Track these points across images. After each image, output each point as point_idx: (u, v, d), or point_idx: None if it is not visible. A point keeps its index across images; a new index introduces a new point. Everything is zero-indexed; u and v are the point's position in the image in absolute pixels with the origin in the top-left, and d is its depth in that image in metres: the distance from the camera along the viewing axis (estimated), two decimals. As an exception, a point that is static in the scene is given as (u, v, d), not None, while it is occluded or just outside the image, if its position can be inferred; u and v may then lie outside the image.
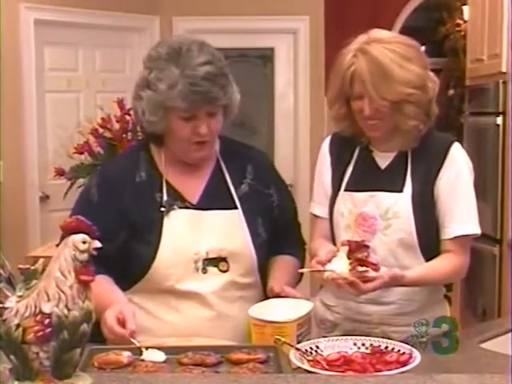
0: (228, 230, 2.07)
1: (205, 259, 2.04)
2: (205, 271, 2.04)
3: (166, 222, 2.04)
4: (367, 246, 1.92)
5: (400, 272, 1.94)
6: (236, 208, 2.10)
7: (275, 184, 2.22)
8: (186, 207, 2.07)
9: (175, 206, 2.06)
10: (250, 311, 1.88)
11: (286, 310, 1.89)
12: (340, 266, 1.89)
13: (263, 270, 2.14)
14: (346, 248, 1.90)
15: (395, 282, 1.93)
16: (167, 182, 2.09)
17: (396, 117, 2.02)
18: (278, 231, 2.17)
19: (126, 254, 2.02)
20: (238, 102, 2.09)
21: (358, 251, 1.89)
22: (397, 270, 1.94)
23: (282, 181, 2.29)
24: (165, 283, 2.02)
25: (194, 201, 2.09)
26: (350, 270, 1.87)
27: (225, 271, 2.06)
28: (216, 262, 2.05)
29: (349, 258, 1.89)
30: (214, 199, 2.10)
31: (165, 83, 1.97)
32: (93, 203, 2.08)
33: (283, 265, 2.17)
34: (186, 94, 1.95)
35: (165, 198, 2.06)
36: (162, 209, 2.05)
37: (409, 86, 1.98)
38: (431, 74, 2.07)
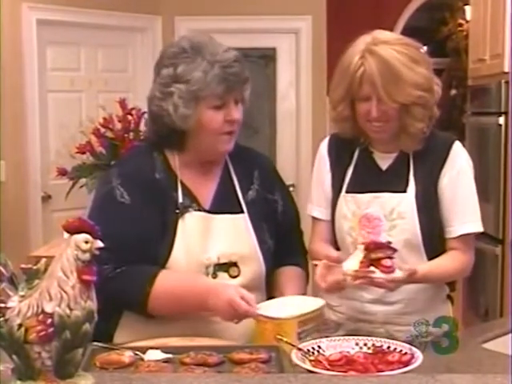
0: (237, 235, 2.07)
1: (216, 264, 2.03)
2: (215, 276, 2.03)
3: (181, 223, 2.03)
4: (391, 249, 1.90)
5: (414, 267, 1.93)
6: (242, 212, 2.09)
7: (279, 190, 2.21)
8: (199, 210, 2.06)
9: (190, 209, 2.04)
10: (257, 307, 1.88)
11: (294, 307, 1.89)
12: (350, 263, 1.90)
13: (268, 277, 2.13)
14: (362, 247, 1.91)
15: (411, 278, 1.93)
16: (183, 185, 2.07)
17: (404, 119, 2.02)
18: (282, 238, 2.16)
19: (139, 254, 1.98)
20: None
21: (374, 252, 1.89)
22: (411, 266, 1.93)
23: (285, 186, 2.29)
24: None
25: (207, 204, 2.08)
26: (360, 268, 1.88)
27: (235, 277, 2.04)
28: (226, 267, 2.04)
29: (365, 257, 1.89)
30: (223, 203, 2.09)
31: (198, 71, 1.99)
32: (125, 205, 2.02)
33: (291, 279, 2.15)
34: (222, 77, 1.98)
35: (180, 199, 2.04)
36: (177, 210, 2.03)
37: (418, 89, 1.98)
38: (434, 76, 2.07)
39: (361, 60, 1.99)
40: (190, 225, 2.03)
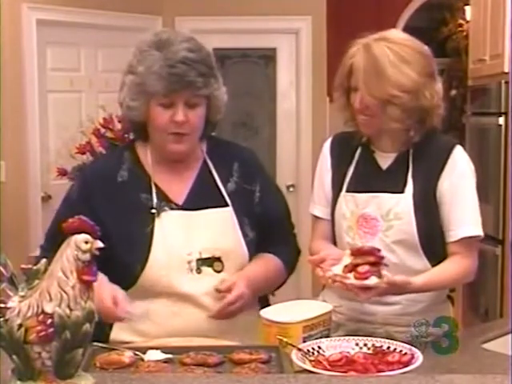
0: (220, 229, 2.06)
1: (198, 259, 2.02)
2: (199, 271, 2.02)
3: (157, 223, 2.02)
4: (374, 256, 1.90)
5: (404, 279, 1.91)
6: (226, 206, 2.08)
7: (260, 181, 2.17)
8: (172, 208, 2.05)
9: (166, 208, 2.04)
10: (264, 311, 1.88)
11: (300, 312, 1.87)
12: (336, 267, 1.92)
13: None
14: (349, 252, 1.92)
15: (400, 289, 1.93)
16: (155, 184, 2.07)
17: (382, 117, 2.03)
18: (263, 229, 2.13)
19: (115, 259, 1.95)
20: (223, 101, 2.08)
21: (357, 257, 1.89)
22: (399, 277, 1.91)
23: (269, 179, 2.26)
24: (159, 285, 2.00)
25: (180, 201, 2.07)
26: (343, 273, 1.89)
27: (219, 271, 2.04)
28: (210, 262, 2.03)
29: (351, 263, 1.90)
30: (203, 199, 2.08)
31: (144, 65, 1.99)
32: (70, 202, 2.08)
33: (252, 262, 2.10)
34: (162, 76, 1.96)
35: (155, 199, 2.04)
36: (153, 210, 2.02)
37: (398, 89, 1.98)
38: (437, 84, 2.06)
39: (354, 52, 2.04)
40: (165, 223, 2.03)
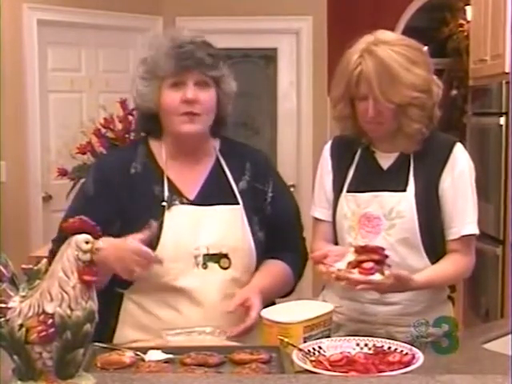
0: (229, 226, 2.07)
1: (205, 255, 2.03)
2: (205, 266, 2.03)
3: (167, 216, 2.03)
4: (378, 253, 1.91)
5: (407, 275, 1.93)
6: (237, 203, 2.09)
7: (272, 182, 2.19)
8: (183, 203, 2.06)
9: (177, 202, 2.05)
10: (265, 311, 1.88)
11: (301, 312, 1.87)
12: (339, 263, 1.92)
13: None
14: (352, 249, 1.93)
15: (402, 285, 1.93)
16: (167, 178, 2.08)
17: (400, 119, 2.03)
18: (272, 231, 2.13)
19: None
20: (232, 88, 2.11)
21: (361, 255, 1.90)
22: (403, 272, 1.93)
23: (280, 181, 2.26)
24: (164, 278, 2.00)
25: (192, 196, 2.08)
26: (346, 269, 1.90)
27: (226, 268, 2.04)
28: (217, 258, 2.04)
29: (354, 260, 1.91)
30: (214, 195, 2.09)
31: (153, 50, 2.06)
32: (87, 197, 2.08)
33: (260, 271, 2.11)
34: (172, 55, 2.01)
35: (166, 192, 2.05)
36: (164, 203, 2.04)
37: (415, 90, 1.99)
38: (435, 77, 2.07)
39: (359, 59, 2.01)
40: (176, 217, 2.04)
